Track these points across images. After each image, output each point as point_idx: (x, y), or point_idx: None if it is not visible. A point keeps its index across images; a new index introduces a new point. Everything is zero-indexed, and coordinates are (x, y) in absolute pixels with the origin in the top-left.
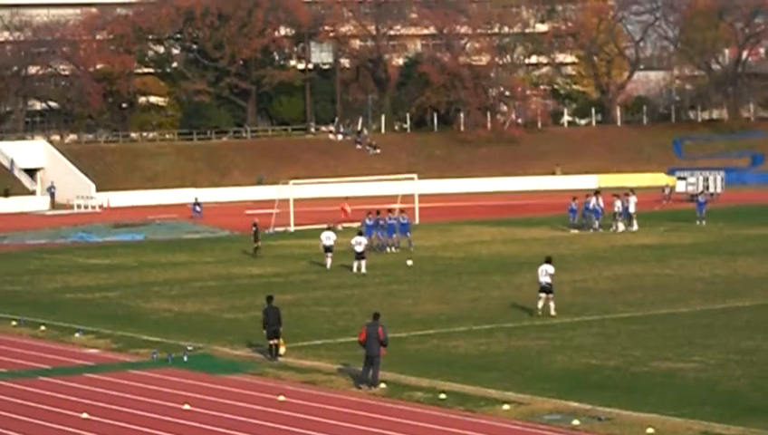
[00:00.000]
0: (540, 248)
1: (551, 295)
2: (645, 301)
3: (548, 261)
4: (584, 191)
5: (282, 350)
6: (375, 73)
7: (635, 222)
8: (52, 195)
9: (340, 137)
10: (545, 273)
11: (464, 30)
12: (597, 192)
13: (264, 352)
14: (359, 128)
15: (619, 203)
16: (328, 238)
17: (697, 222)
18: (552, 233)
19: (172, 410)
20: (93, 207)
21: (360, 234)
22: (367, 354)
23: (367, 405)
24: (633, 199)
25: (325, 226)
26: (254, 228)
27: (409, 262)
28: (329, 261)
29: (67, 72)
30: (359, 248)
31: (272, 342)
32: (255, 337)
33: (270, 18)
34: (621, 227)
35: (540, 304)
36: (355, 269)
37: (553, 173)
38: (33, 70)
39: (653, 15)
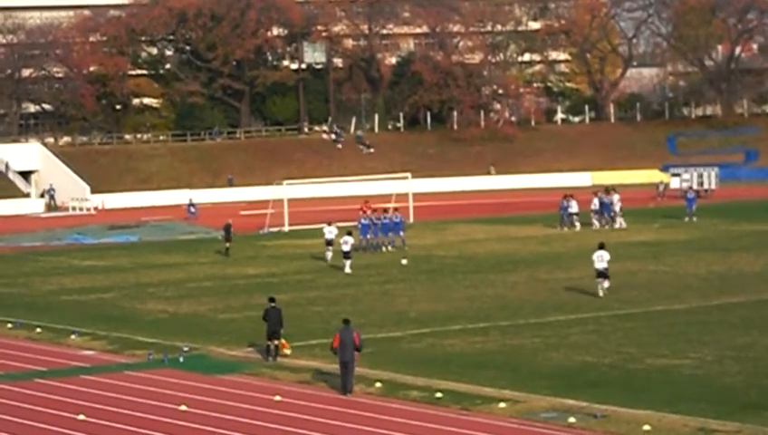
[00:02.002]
0: (534, 247)
1: (606, 278)
2: (640, 298)
3: (601, 247)
4: (580, 189)
5: (287, 350)
6: (368, 73)
7: (622, 220)
8: (52, 197)
9: (333, 136)
10: (601, 259)
11: (456, 28)
12: (613, 189)
13: (261, 352)
14: (336, 126)
15: (596, 200)
16: (330, 232)
17: (686, 219)
18: (546, 231)
19: (168, 410)
20: (88, 209)
21: (349, 233)
22: (343, 360)
23: (363, 404)
24: (616, 197)
25: (325, 223)
26: (228, 229)
27: (404, 261)
28: (329, 254)
29: (61, 75)
30: (345, 248)
31: (270, 342)
32: (251, 337)
33: (263, 18)
34: (597, 224)
35: (600, 290)
36: (348, 269)
37: (488, 173)
38: (26, 72)
39: (646, 12)
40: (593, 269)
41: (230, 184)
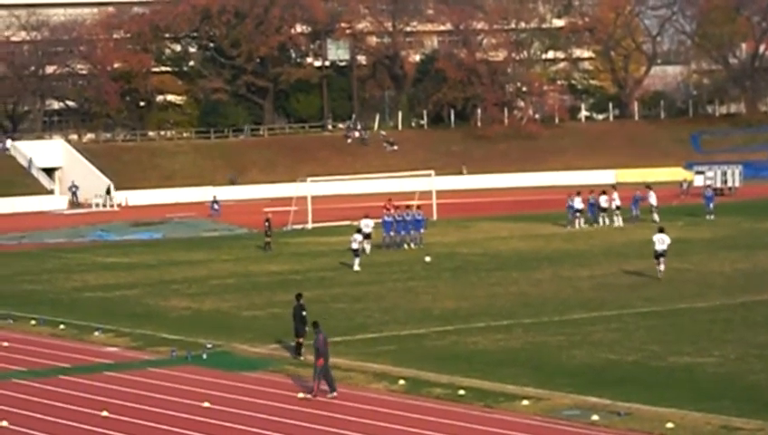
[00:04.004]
0: (558, 244)
1: (664, 260)
2: (664, 296)
3: (661, 231)
4: (603, 186)
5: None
6: (392, 70)
7: (617, 218)
8: (74, 194)
9: (356, 134)
10: (661, 241)
11: (480, 26)
12: (648, 186)
13: (290, 350)
14: (350, 124)
15: (604, 198)
16: (367, 226)
17: (707, 216)
18: (570, 228)
19: (192, 407)
20: (112, 206)
21: (359, 231)
22: (327, 361)
23: (386, 402)
24: (604, 196)
25: (362, 217)
26: (266, 223)
27: (428, 258)
28: (368, 247)
29: (84, 72)
30: (354, 245)
31: (296, 339)
32: (274, 334)
33: (286, 15)
34: (606, 222)
35: (660, 272)
36: (356, 267)
37: (460, 172)
38: (50, 69)
39: (670, 10)
40: (653, 251)
41: (232, 183)
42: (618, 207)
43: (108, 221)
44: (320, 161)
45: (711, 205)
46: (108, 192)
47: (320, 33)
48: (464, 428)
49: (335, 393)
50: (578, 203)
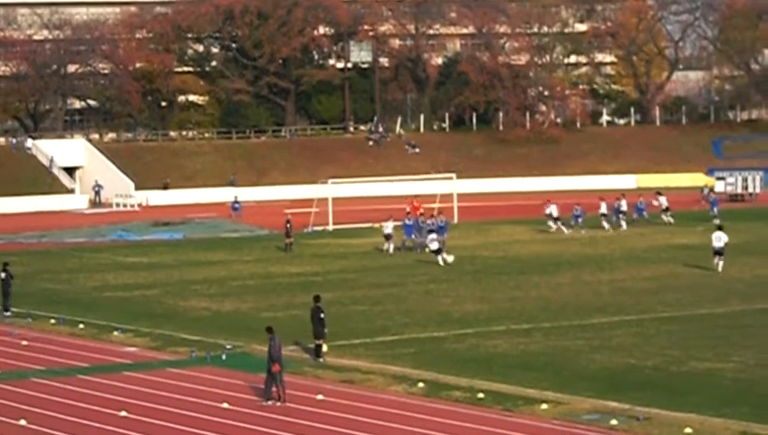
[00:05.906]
0: (578, 248)
1: (722, 257)
2: (683, 301)
3: (720, 229)
4: (624, 191)
5: (324, 348)
6: (414, 73)
7: (623, 223)
8: (97, 193)
9: (368, 134)
10: (719, 239)
11: (503, 29)
12: (659, 193)
13: (309, 352)
14: (372, 126)
15: (604, 205)
16: (387, 228)
17: (713, 221)
18: (591, 232)
19: (210, 408)
20: (132, 206)
21: (431, 231)
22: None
23: (405, 404)
24: (621, 201)
25: (385, 219)
26: (287, 225)
27: (450, 258)
28: (391, 247)
29: (106, 71)
30: (434, 245)
31: (316, 342)
32: (294, 336)
33: (309, 17)
34: (607, 226)
35: (720, 266)
36: (441, 262)
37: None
38: (72, 68)
39: (692, 15)
40: (711, 248)
41: (231, 184)
42: (604, 215)
43: (128, 221)
44: (341, 163)
45: (715, 209)
46: (165, 187)
47: (342, 34)
48: (482, 431)
49: (280, 403)
50: (622, 206)
